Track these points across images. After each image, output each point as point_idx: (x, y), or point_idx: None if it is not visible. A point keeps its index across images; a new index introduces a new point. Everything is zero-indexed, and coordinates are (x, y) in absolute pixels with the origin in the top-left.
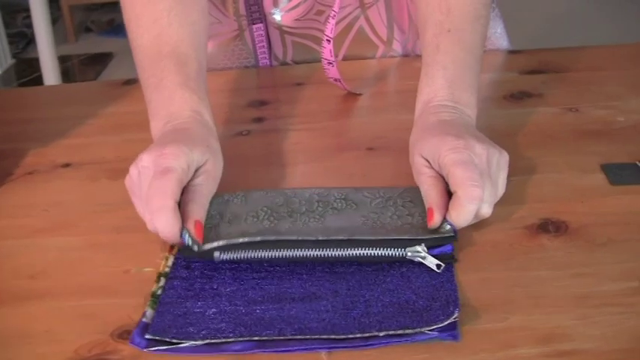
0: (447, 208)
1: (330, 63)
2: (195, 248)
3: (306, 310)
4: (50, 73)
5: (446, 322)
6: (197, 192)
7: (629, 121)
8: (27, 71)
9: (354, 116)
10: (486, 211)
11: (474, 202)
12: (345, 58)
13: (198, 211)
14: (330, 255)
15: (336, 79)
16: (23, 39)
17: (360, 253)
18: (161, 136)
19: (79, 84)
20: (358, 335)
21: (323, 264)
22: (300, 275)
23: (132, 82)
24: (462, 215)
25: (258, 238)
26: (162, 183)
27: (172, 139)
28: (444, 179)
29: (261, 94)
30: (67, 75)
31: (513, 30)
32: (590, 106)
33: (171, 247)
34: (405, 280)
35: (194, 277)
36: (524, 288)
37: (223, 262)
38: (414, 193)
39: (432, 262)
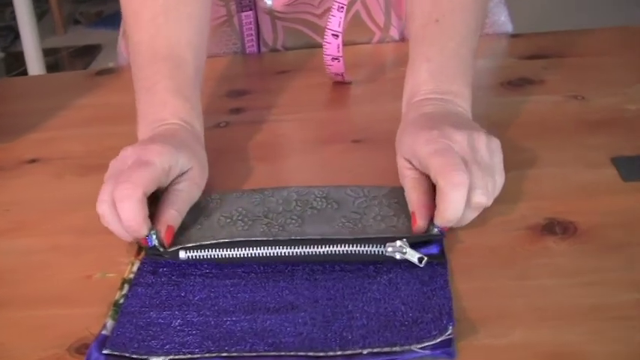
0: (431, 210)
1: (336, 59)
2: (161, 249)
3: (282, 323)
4: (35, 66)
5: (439, 339)
6: (177, 197)
7: (639, 109)
8: (15, 65)
9: (339, 106)
10: (480, 199)
11: (458, 188)
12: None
13: (174, 216)
14: (303, 252)
15: (337, 74)
16: (11, 32)
17: (336, 250)
18: (149, 137)
19: (51, 75)
20: (339, 353)
21: (302, 270)
22: (276, 282)
23: (106, 72)
24: (449, 208)
25: (228, 240)
26: (136, 173)
27: (160, 140)
28: (427, 179)
29: (241, 82)
30: (55, 67)
31: (518, 17)
32: (596, 94)
33: (138, 251)
34: (392, 288)
35: (160, 283)
36: (527, 298)
37: (190, 261)
38: (401, 194)
39: (413, 255)
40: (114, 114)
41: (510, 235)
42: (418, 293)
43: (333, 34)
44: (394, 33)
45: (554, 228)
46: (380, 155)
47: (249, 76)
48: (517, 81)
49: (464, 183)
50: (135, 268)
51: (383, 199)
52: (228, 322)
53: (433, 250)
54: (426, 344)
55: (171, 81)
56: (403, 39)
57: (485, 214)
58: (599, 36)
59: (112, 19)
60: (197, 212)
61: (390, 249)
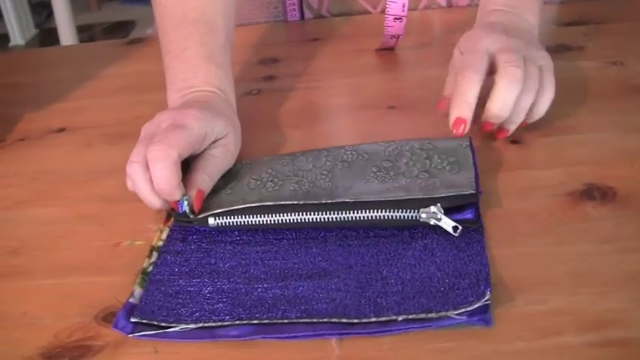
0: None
1: (399, 19)
2: (191, 217)
3: (314, 289)
4: (68, 43)
5: (476, 305)
6: (210, 162)
7: None
8: (49, 41)
9: (375, 73)
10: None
11: (514, 59)
12: (383, 11)
13: (205, 181)
14: (336, 218)
15: (394, 36)
16: (45, 9)
17: (369, 216)
18: (183, 103)
19: (80, 45)
20: (373, 319)
21: (335, 236)
22: (309, 249)
23: (136, 42)
24: (507, 77)
25: (257, 204)
26: (172, 135)
27: (196, 105)
28: None
29: (275, 50)
30: None
31: None
32: (636, 60)
33: (167, 218)
34: (428, 254)
35: (190, 251)
36: (566, 264)
37: (219, 228)
38: (434, 140)
39: (448, 223)
40: (143, 82)
41: (549, 200)
42: (454, 259)
43: None
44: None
45: (593, 193)
46: (415, 121)
47: (283, 43)
48: (556, 47)
49: (517, 59)
50: (164, 236)
51: (415, 143)
52: (259, 290)
53: (468, 215)
54: (463, 310)
55: (202, 47)
56: (450, 6)
57: (524, 179)
58: (638, 2)
59: None
60: (227, 176)
61: (424, 215)
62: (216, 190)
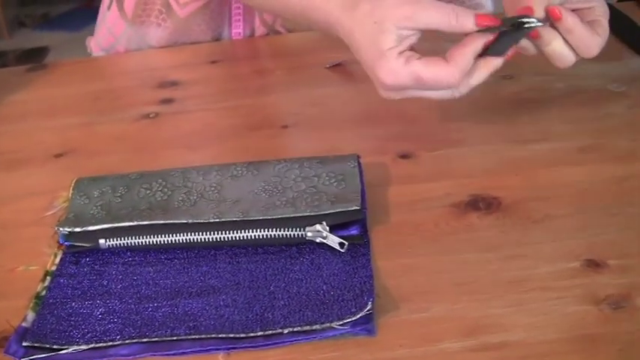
0: None
1: None
2: (77, 229)
3: (203, 306)
4: None
5: (358, 315)
6: None
7: (567, 87)
8: None
9: (269, 93)
10: None
11: None
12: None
13: None
14: (224, 238)
15: None
16: None
17: (256, 235)
18: None
19: None
20: (260, 333)
21: (225, 254)
22: (199, 267)
23: (37, 69)
24: None
25: (146, 222)
26: None
27: None
28: None
29: (174, 73)
30: None
31: None
32: (526, 74)
33: (60, 243)
34: (315, 268)
35: (83, 273)
36: (449, 274)
37: (110, 249)
38: (324, 158)
39: (333, 240)
40: (45, 108)
41: (434, 212)
42: (340, 272)
43: None
44: None
45: (478, 204)
46: (307, 139)
47: (183, 66)
48: None
49: None
50: (57, 260)
51: (304, 162)
52: (149, 309)
53: (353, 231)
54: (346, 321)
55: None
56: None
57: (411, 193)
58: None
59: (59, 20)
60: (117, 182)
61: (309, 234)
62: (106, 198)
